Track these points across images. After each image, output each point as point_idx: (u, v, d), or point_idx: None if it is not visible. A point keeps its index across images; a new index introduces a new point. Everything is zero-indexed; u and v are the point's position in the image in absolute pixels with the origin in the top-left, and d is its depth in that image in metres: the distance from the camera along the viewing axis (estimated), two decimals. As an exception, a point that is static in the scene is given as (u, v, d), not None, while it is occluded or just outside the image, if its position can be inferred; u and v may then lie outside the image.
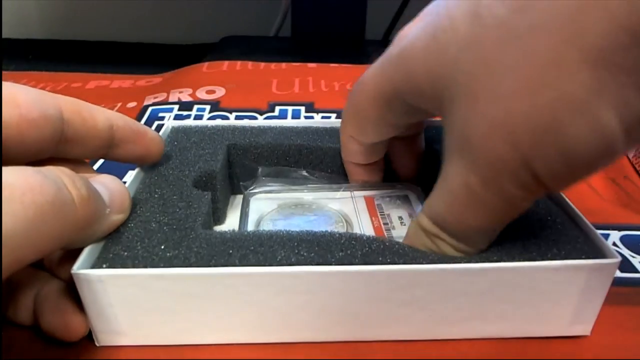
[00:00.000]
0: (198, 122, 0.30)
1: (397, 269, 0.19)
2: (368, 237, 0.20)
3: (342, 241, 0.20)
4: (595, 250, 0.20)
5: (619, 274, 0.24)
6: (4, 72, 0.53)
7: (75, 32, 0.69)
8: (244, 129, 0.29)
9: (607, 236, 0.27)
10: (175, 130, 0.29)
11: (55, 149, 0.22)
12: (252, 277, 0.19)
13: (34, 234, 0.17)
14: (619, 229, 0.28)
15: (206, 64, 0.54)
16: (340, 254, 0.19)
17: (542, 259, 0.19)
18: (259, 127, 0.30)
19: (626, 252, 0.26)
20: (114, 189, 0.22)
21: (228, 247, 0.20)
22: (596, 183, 0.33)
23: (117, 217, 0.21)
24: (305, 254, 0.19)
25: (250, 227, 0.24)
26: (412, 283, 0.19)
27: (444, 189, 0.19)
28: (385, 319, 0.20)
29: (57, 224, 0.18)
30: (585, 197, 0.31)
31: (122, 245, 0.20)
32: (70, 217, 0.18)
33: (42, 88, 0.51)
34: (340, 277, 0.19)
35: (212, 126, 0.30)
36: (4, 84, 0.21)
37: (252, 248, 0.20)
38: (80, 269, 0.19)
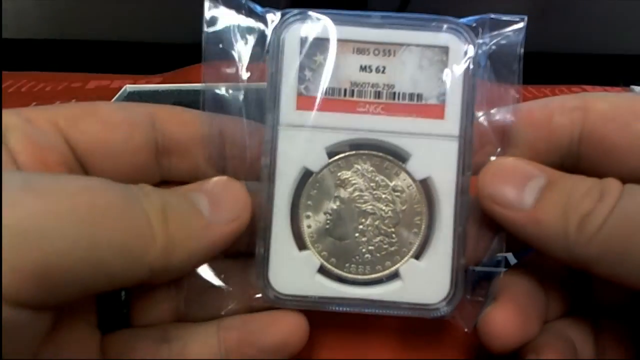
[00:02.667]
0: (150, 86, 0.40)
1: None
2: None
3: None
4: None
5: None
6: (4, 72, 0.53)
7: (75, 32, 0.69)
8: (188, 90, 0.36)
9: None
10: (131, 94, 0.36)
11: (159, 165, 0.20)
12: None
13: (86, 242, 0.14)
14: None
15: (206, 63, 0.54)
16: None
17: None
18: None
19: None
20: (219, 194, 0.19)
21: None
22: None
23: (224, 228, 0.18)
24: None
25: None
26: None
27: None
28: None
29: (123, 237, 0.15)
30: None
31: None
32: (142, 233, 0.15)
33: (42, 88, 0.51)
34: None
35: (162, 90, 0.38)
36: (86, 103, 0.20)
37: None
38: None
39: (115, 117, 0.19)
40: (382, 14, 0.21)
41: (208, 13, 0.21)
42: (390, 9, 0.73)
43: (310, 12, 0.21)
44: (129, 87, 0.44)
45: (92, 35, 0.70)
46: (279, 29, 0.21)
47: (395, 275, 0.21)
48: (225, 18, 0.21)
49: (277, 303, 0.21)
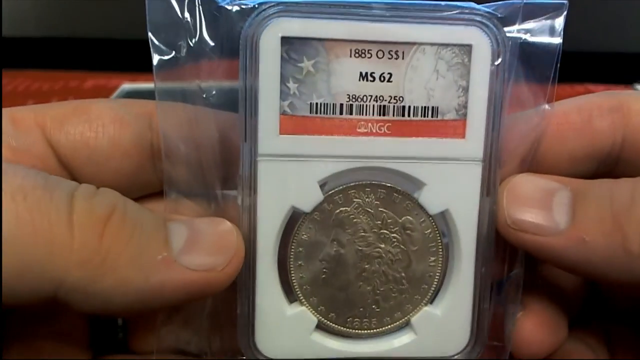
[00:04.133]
0: (148, 85, 0.37)
1: None
2: None
3: None
4: None
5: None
6: (3, 72, 0.53)
7: (72, 30, 0.69)
8: None
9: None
10: (128, 92, 0.35)
11: (156, 170, 0.18)
12: None
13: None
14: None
15: (205, 62, 0.54)
16: None
17: None
18: None
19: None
20: (204, 234, 0.15)
21: None
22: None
23: (190, 275, 0.14)
24: None
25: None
26: None
27: None
28: None
29: (18, 232, 0.12)
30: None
31: None
32: (50, 235, 0.13)
33: (39, 87, 0.50)
34: None
35: None
36: (80, 101, 0.18)
37: None
38: None
39: (104, 116, 0.17)
40: (386, 2, 0.16)
41: (150, 7, 0.16)
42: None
43: (293, 3, 0.16)
44: (127, 85, 0.44)
45: (90, 33, 0.69)
46: (252, 26, 0.16)
47: (406, 326, 0.18)
48: (173, 12, 0.16)
49: None
